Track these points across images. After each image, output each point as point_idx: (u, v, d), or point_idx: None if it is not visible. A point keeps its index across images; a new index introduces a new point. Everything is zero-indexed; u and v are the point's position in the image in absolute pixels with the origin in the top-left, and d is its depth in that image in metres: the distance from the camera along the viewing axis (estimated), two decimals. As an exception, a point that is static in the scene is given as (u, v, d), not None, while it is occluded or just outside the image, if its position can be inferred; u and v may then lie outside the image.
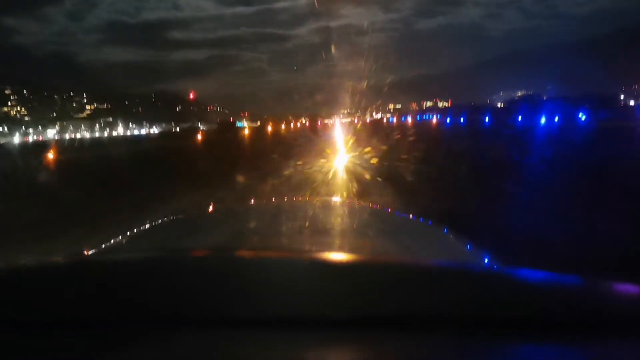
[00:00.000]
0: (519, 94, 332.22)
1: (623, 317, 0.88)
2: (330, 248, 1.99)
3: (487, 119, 72.99)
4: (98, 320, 0.85)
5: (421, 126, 67.29)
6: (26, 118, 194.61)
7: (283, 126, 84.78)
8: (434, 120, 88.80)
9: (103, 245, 1.92)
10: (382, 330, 0.82)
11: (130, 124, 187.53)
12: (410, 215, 3.09)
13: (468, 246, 2.04)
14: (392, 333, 0.81)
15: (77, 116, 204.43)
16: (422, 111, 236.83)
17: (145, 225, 2.38)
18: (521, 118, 62.97)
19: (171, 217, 2.79)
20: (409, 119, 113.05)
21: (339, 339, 0.80)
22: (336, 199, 5.42)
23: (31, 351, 0.78)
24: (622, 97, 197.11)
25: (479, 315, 0.86)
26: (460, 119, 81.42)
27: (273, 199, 5.80)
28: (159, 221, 2.56)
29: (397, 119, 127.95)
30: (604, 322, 0.87)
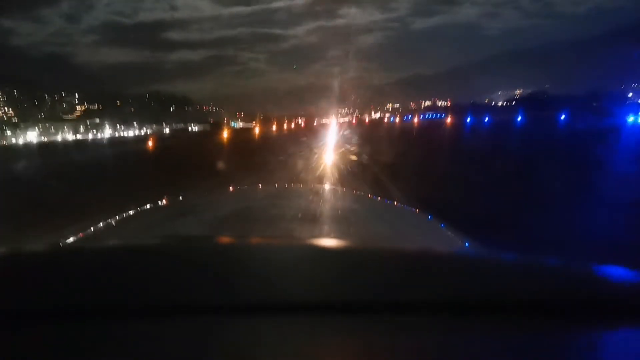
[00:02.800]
0: (518, 92, 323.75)
1: (615, 301, 0.89)
2: (319, 234, 2.00)
3: (519, 119, 61.81)
4: (79, 309, 0.83)
5: (454, 130, 52.62)
6: (14, 119, 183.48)
7: (274, 127, 74.18)
8: (449, 121, 76.03)
9: (82, 234, 1.87)
10: (373, 317, 0.82)
11: (118, 125, 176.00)
12: (397, 203, 3.14)
13: (450, 233, 2.09)
14: (384, 319, 0.82)
15: (67, 117, 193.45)
16: (422, 111, 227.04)
17: (127, 212, 2.31)
18: (564, 117, 52.21)
19: (155, 204, 2.66)
20: (415, 119, 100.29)
21: (329, 324, 0.80)
22: (326, 186, 5.04)
23: (11, 343, 0.76)
24: (630, 94, 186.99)
25: (472, 300, 0.86)
26: (483, 120, 69.72)
27: (261, 185, 5.03)
28: (143, 208, 2.47)
29: (399, 119, 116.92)
30: (596, 305, 0.87)
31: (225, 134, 55.06)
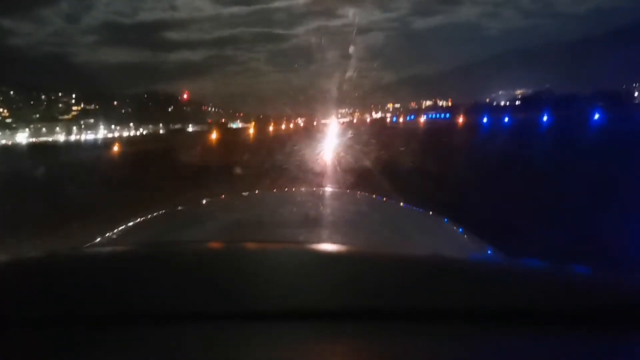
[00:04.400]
0: (519, 92, 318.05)
1: (628, 309, 0.84)
2: (326, 239, 1.95)
3: (545, 118, 55.36)
4: (89, 315, 0.82)
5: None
6: (7, 120, 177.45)
7: (271, 128, 68.47)
8: (461, 121, 67.86)
9: (97, 239, 1.87)
10: (379, 323, 0.79)
11: (112, 125, 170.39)
12: (409, 206, 2.98)
13: (468, 237, 2.01)
14: (390, 326, 0.79)
15: (62, 117, 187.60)
16: (422, 110, 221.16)
17: (138, 218, 2.32)
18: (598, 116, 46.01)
19: (164, 210, 2.65)
20: (420, 119, 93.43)
21: (335, 331, 0.77)
22: (333, 189, 4.87)
23: (21, 348, 0.75)
24: (636, 94, 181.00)
25: (480, 307, 0.83)
26: (502, 120, 62.62)
27: (267, 190, 5.25)
28: (154, 214, 2.46)
29: (403, 119, 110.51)
30: (610, 313, 0.84)
31: (214, 135, 49.31)
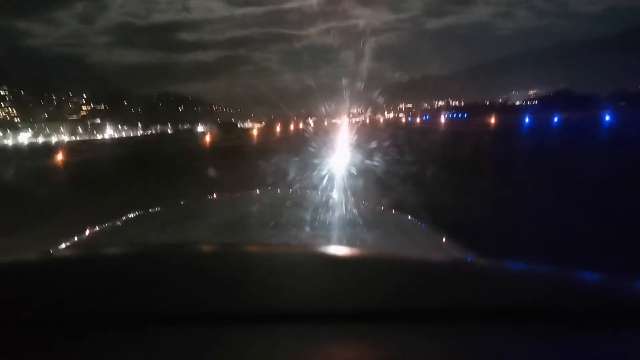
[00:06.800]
0: (532, 92, 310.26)
1: (606, 309, 0.87)
2: (321, 242, 1.97)
3: (607, 118, 47.12)
4: (93, 316, 0.81)
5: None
6: (16, 119, 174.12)
7: (278, 129, 62.64)
8: (492, 121, 57.84)
9: (71, 242, 1.81)
10: (387, 325, 0.80)
11: (119, 125, 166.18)
12: (392, 210, 3.13)
13: (453, 245, 2.06)
14: (397, 327, 0.80)
15: (71, 118, 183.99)
16: (435, 110, 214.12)
17: (120, 218, 2.28)
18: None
19: (153, 210, 2.63)
20: (441, 119, 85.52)
21: (340, 333, 0.78)
22: (325, 193, 4.79)
23: (23, 350, 0.74)
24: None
25: (479, 308, 0.85)
26: (551, 120, 52.93)
27: (259, 191, 4.82)
28: (136, 214, 2.44)
29: (420, 119, 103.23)
30: (586, 313, 0.86)
31: (208, 137, 43.70)
